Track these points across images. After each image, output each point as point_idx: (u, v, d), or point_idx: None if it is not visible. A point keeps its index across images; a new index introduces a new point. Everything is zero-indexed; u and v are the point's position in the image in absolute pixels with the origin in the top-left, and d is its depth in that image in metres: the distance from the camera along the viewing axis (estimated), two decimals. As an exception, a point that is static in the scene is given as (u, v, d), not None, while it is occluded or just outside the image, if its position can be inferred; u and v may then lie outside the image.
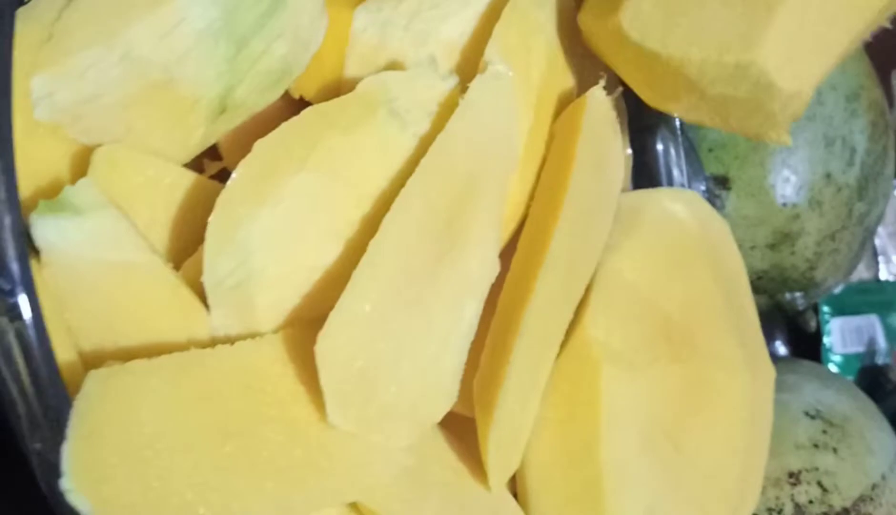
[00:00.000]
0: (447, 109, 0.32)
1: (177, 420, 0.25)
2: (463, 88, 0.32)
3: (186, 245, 0.30)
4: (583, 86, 0.37)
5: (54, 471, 0.24)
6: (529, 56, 0.35)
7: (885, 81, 0.52)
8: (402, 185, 0.30)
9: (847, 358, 0.56)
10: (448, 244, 0.31)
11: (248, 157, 0.28)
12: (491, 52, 0.33)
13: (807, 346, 0.56)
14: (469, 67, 0.33)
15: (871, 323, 0.57)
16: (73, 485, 0.23)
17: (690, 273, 0.37)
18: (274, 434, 0.27)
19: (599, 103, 0.35)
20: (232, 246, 0.28)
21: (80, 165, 0.28)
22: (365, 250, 0.29)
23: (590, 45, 0.36)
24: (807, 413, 0.44)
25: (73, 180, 0.28)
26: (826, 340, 0.56)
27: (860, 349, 0.56)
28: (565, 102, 0.36)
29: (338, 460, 0.28)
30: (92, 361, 0.27)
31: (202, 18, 0.29)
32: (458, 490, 0.32)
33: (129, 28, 0.28)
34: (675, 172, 0.43)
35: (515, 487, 0.35)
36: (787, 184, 0.44)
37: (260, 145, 0.29)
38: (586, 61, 0.37)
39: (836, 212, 0.45)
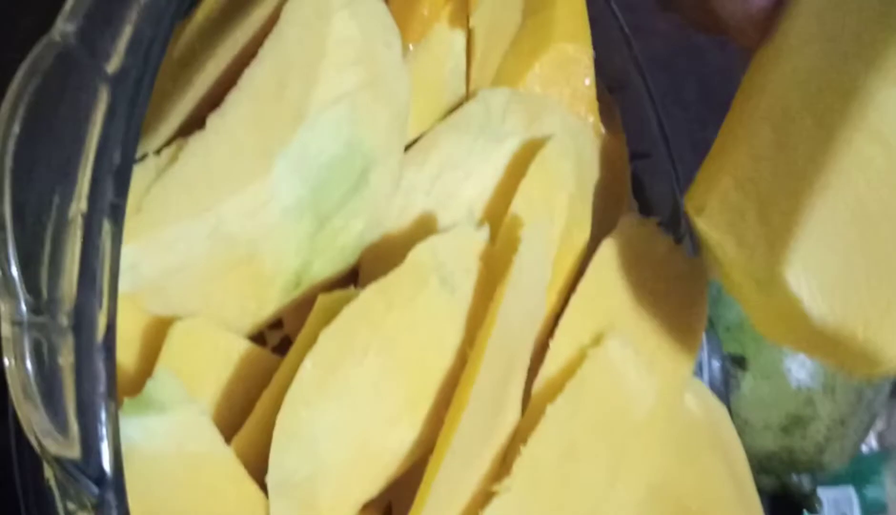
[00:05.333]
0: (485, 263, 0.31)
1: None
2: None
3: (240, 414, 0.29)
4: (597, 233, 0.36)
5: None
6: (553, 210, 0.34)
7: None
8: (457, 354, 0.30)
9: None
10: (498, 416, 0.30)
11: (313, 350, 0.27)
12: (518, 207, 0.33)
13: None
14: (491, 221, 0.33)
15: (848, 495, 0.57)
16: None
17: (701, 462, 0.37)
18: None
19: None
20: (299, 444, 0.27)
21: (153, 337, 0.27)
22: (424, 429, 0.29)
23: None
24: None
25: (145, 353, 0.27)
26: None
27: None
28: (579, 256, 0.36)
29: None
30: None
31: (291, 195, 0.28)
32: None
33: (221, 203, 0.27)
34: (693, 350, 0.43)
35: None
36: (803, 368, 0.44)
37: (325, 335, 0.27)
38: (605, 207, 0.37)
39: (847, 398, 0.45)
